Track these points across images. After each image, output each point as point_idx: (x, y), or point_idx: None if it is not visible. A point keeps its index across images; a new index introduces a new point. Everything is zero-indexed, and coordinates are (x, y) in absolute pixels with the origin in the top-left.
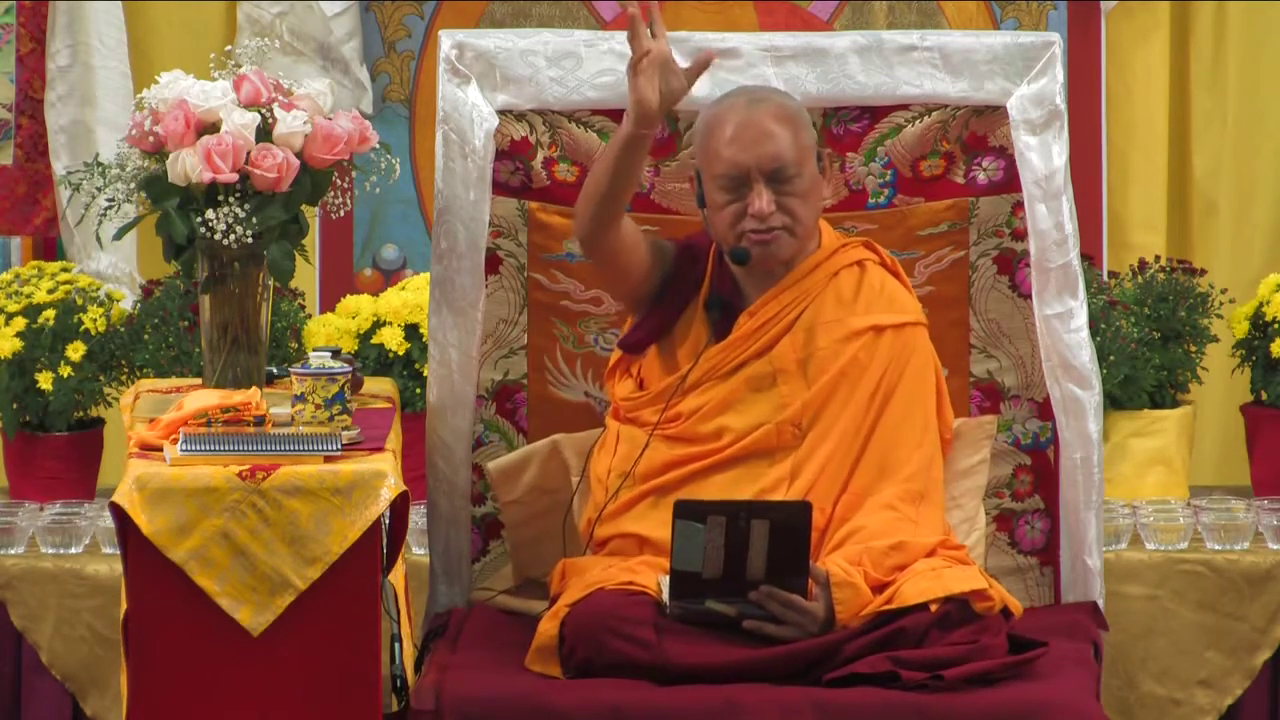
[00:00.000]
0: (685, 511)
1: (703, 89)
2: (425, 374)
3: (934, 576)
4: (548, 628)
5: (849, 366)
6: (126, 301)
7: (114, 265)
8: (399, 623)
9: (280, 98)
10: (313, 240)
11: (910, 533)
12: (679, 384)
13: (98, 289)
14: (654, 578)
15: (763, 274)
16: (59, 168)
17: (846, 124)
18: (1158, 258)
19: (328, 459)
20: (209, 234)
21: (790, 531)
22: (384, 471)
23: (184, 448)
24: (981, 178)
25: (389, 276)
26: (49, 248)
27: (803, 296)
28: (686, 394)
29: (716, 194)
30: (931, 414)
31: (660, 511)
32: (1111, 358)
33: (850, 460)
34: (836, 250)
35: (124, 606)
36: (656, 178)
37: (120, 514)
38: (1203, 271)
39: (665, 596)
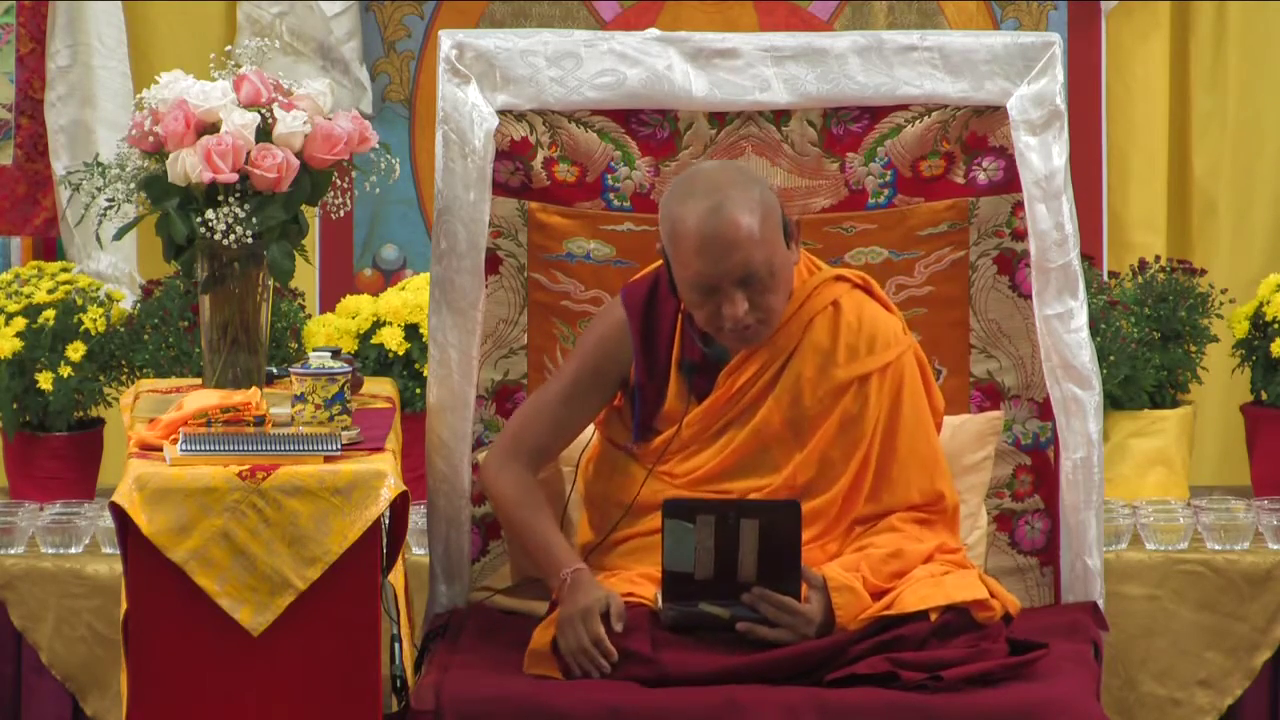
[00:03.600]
0: (674, 510)
1: (702, 88)
2: (425, 374)
3: (934, 584)
4: (543, 635)
5: (841, 421)
6: (126, 301)
7: (114, 265)
8: (399, 623)
9: (280, 98)
10: (313, 240)
11: (909, 544)
12: (667, 445)
13: (98, 289)
14: (651, 588)
15: None
16: (59, 168)
17: (846, 124)
18: (1158, 258)
19: (328, 459)
20: (209, 234)
21: (780, 531)
22: (384, 471)
23: (184, 448)
24: (981, 178)
25: (389, 276)
26: (49, 248)
27: (780, 352)
28: (675, 455)
29: (689, 294)
30: (933, 442)
31: (654, 551)
32: (1111, 358)
33: (856, 511)
34: (808, 297)
35: (124, 606)
36: (656, 178)
37: (120, 514)
38: (1203, 271)
39: (659, 601)
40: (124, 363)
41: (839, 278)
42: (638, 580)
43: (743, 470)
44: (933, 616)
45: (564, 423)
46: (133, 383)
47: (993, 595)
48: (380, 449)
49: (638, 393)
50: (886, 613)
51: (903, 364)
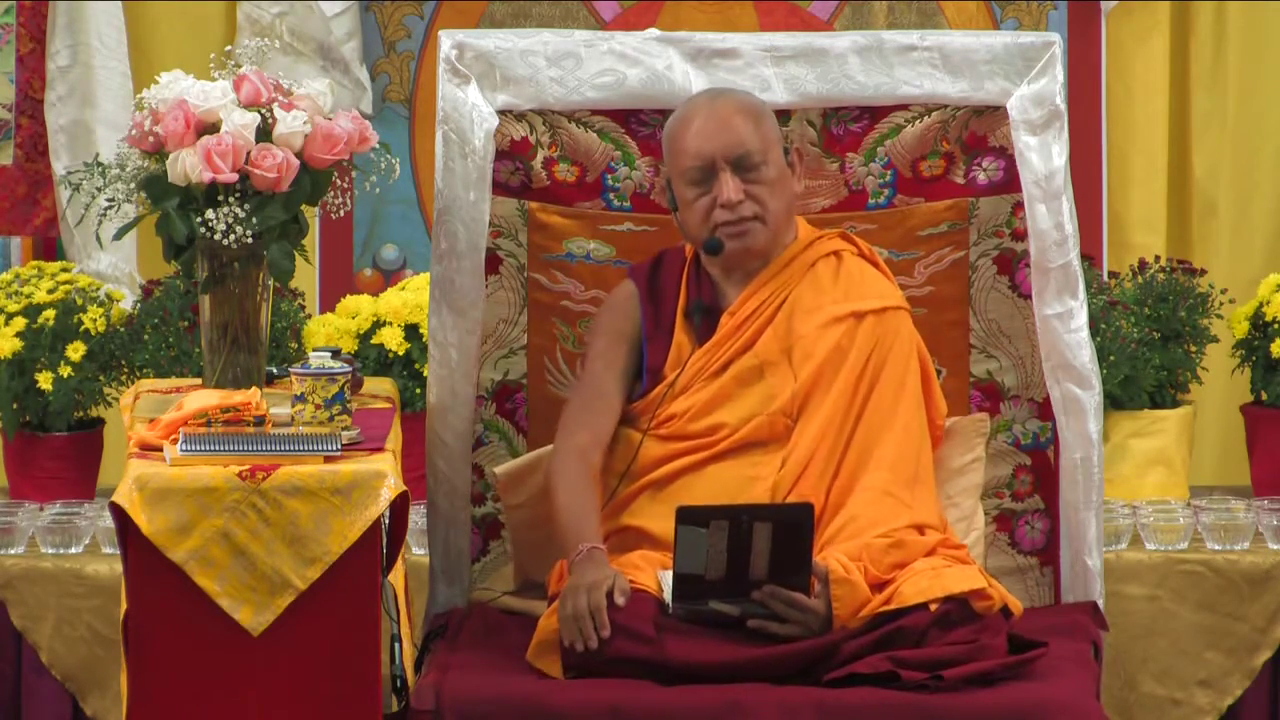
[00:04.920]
0: (687, 517)
1: (702, 88)
2: (425, 374)
3: (933, 576)
4: (549, 623)
5: (832, 353)
6: (126, 301)
7: (114, 265)
8: (399, 623)
9: (280, 98)
10: (313, 240)
11: (905, 518)
12: (667, 390)
13: (98, 289)
14: (654, 575)
15: (741, 273)
16: (59, 168)
17: (846, 124)
18: (1158, 258)
19: (328, 459)
20: (209, 234)
21: (792, 533)
22: (384, 471)
23: (184, 448)
24: (981, 178)
25: (389, 276)
26: (49, 248)
27: (781, 289)
28: (676, 398)
29: (685, 189)
30: (918, 398)
31: (658, 505)
32: (1111, 358)
33: (839, 447)
34: (813, 242)
35: (124, 606)
36: (656, 177)
37: (120, 514)
38: (1203, 271)
39: (666, 594)
40: (124, 363)
41: (845, 236)
42: (640, 565)
43: (739, 397)
44: (932, 608)
45: (605, 392)
46: (133, 383)
47: (990, 587)
48: (380, 449)
49: (646, 345)
50: (886, 607)
51: (899, 320)
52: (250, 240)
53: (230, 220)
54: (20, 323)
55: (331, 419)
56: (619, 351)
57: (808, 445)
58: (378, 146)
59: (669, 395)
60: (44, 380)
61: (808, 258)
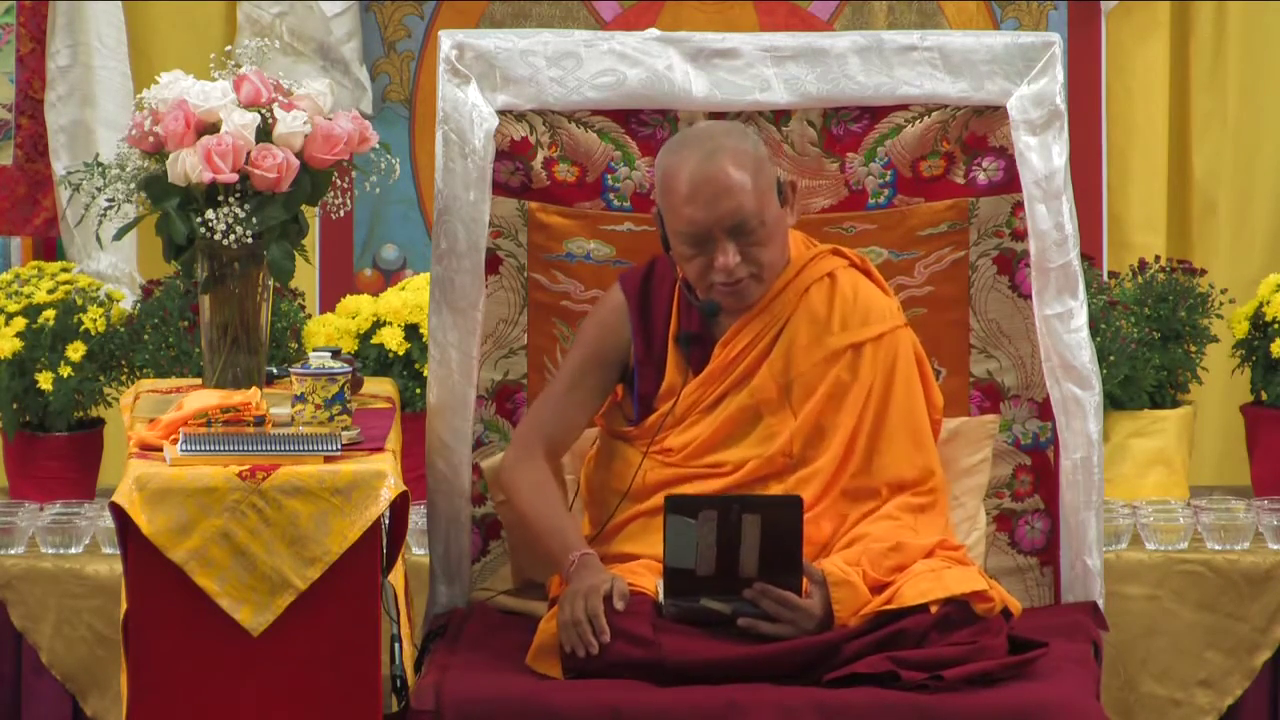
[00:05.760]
0: (677, 506)
1: (702, 88)
2: (425, 374)
3: (934, 577)
4: (549, 626)
5: (833, 388)
6: (126, 301)
7: (114, 265)
8: (399, 623)
9: (280, 98)
10: (313, 240)
11: (909, 538)
12: (663, 421)
13: (98, 289)
14: (653, 580)
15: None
16: (59, 168)
17: (846, 124)
18: (1158, 258)
19: (328, 459)
20: (209, 234)
21: (782, 526)
22: (384, 471)
23: (184, 448)
24: (981, 178)
25: (389, 276)
26: (49, 248)
27: (775, 319)
28: (672, 429)
29: (681, 246)
30: (924, 420)
31: (653, 532)
32: (1111, 358)
33: (847, 481)
34: (805, 265)
35: (124, 606)
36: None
37: (120, 514)
38: (1203, 271)
39: (661, 597)
40: (124, 363)
41: (837, 252)
42: (639, 571)
43: (738, 438)
44: (933, 609)
45: (571, 410)
46: (133, 383)
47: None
48: (380, 449)
49: (637, 371)
50: (886, 607)
51: (897, 340)
52: (250, 240)
53: (230, 220)
54: (20, 323)
55: (331, 419)
56: (594, 371)
57: (817, 484)
58: (378, 146)
59: (665, 425)
60: (44, 380)
61: (800, 284)
